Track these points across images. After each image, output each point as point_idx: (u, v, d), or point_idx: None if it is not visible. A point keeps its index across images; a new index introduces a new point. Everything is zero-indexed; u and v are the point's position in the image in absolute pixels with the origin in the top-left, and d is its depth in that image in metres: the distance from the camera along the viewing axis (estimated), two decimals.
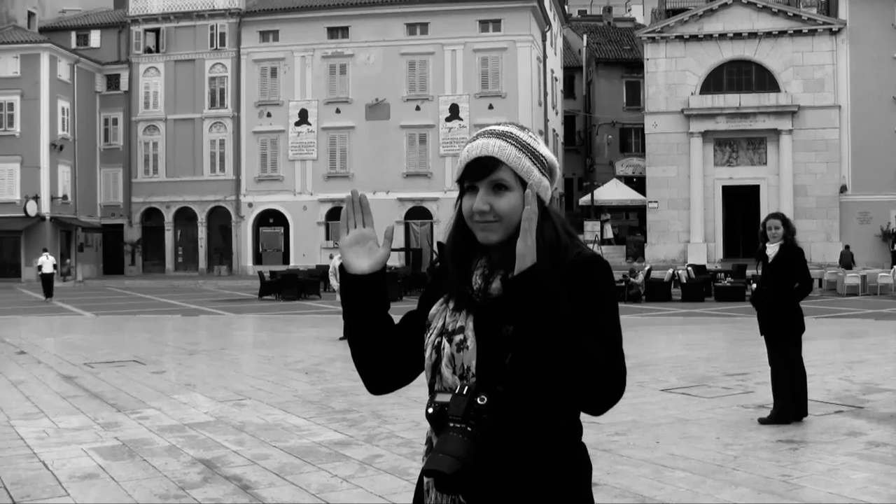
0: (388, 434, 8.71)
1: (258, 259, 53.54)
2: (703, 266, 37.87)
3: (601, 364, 2.05)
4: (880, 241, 46.26)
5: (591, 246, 39.72)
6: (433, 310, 2.31)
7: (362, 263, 2.29)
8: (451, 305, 2.26)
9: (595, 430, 8.41)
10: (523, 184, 2.20)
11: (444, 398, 2.15)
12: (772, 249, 9.20)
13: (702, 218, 48.07)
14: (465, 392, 2.12)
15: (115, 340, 19.76)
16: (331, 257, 19.10)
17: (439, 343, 2.23)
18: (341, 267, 2.32)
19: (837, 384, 11.49)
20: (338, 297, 18.27)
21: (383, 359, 2.35)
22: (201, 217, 54.85)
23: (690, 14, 49.60)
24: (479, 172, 2.20)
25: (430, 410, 2.17)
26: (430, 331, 2.28)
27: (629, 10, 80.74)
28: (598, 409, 2.10)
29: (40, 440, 8.71)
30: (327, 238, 51.83)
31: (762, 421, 8.92)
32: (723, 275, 34.16)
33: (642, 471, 7.15)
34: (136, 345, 18.57)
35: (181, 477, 7.14)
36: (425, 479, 2.25)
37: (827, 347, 15.67)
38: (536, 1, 51.36)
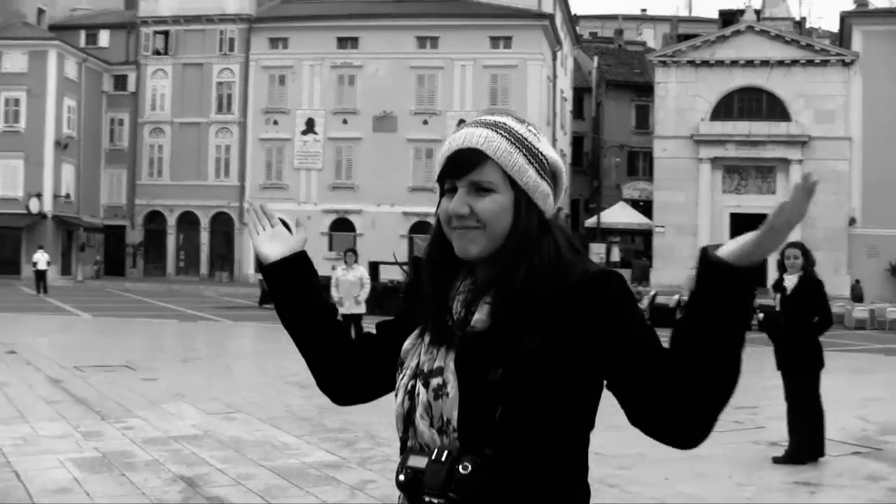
0: (382, 458, 8.27)
1: (260, 266, 52.92)
2: None
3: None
4: (889, 276, 45.82)
5: None
6: (406, 345, 1.86)
7: (275, 249, 2.07)
8: (427, 339, 1.81)
9: (599, 463, 7.98)
10: (515, 185, 1.76)
11: (419, 462, 1.70)
12: (790, 280, 8.76)
13: (708, 244, 47.65)
14: (443, 458, 1.67)
15: (108, 343, 19.34)
16: (333, 268, 18.71)
17: (413, 387, 1.78)
18: (261, 264, 2.07)
19: (853, 423, 11.02)
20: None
21: (337, 360, 2.00)
22: (204, 222, 54.48)
23: (703, 39, 49.42)
24: (459, 169, 1.76)
25: (402, 478, 1.71)
26: (403, 371, 1.83)
27: (640, 34, 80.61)
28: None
29: (17, 447, 8.28)
30: (330, 249, 51.39)
31: (776, 460, 8.48)
32: None
33: None
34: (130, 349, 18.15)
35: (159, 495, 6.71)
36: None
37: (837, 383, 15.18)
38: (548, 20, 51.16)
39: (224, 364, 16.40)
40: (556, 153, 1.86)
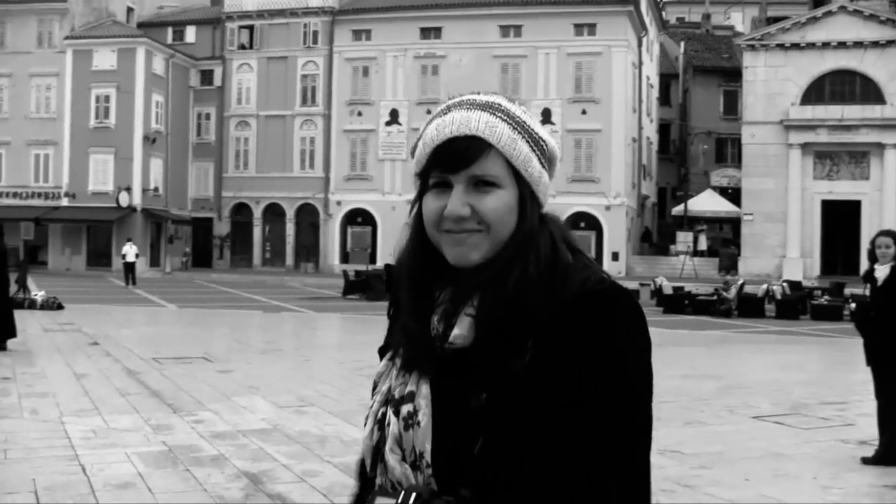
0: None
1: (345, 258, 53.40)
2: (799, 282, 36.41)
3: None
4: None
5: (682, 258, 37.83)
6: (380, 367, 1.59)
7: None
8: (399, 361, 1.55)
9: (677, 462, 7.67)
10: (517, 176, 1.49)
11: None
12: (881, 271, 8.27)
13: (799, 232, 46.42)
14: (410, 501, 1.40)
15: (190, 335, 19.55)
16: None
17: (384, 415, 1.52)
18: None
19: None
20: None
21: None
22: (290, 214, 55.03)
23: (793, 22, 48.00)
24: (455, 161, 1.47)
25: None
26: (373, 398, 1.57)
27: (728, 18, 78.82)
28: None
29: (86, 440, 8.28)
30: None
31: (865, 460, 8.04)
32: (820, 292, 32.77)
33: None
34: (211, 340, 18.31)
35: (221, 492, 6.60)
36: None
37: None
38: (633, 6, 50.31)
39: (301, 356, 16.38)
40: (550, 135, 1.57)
